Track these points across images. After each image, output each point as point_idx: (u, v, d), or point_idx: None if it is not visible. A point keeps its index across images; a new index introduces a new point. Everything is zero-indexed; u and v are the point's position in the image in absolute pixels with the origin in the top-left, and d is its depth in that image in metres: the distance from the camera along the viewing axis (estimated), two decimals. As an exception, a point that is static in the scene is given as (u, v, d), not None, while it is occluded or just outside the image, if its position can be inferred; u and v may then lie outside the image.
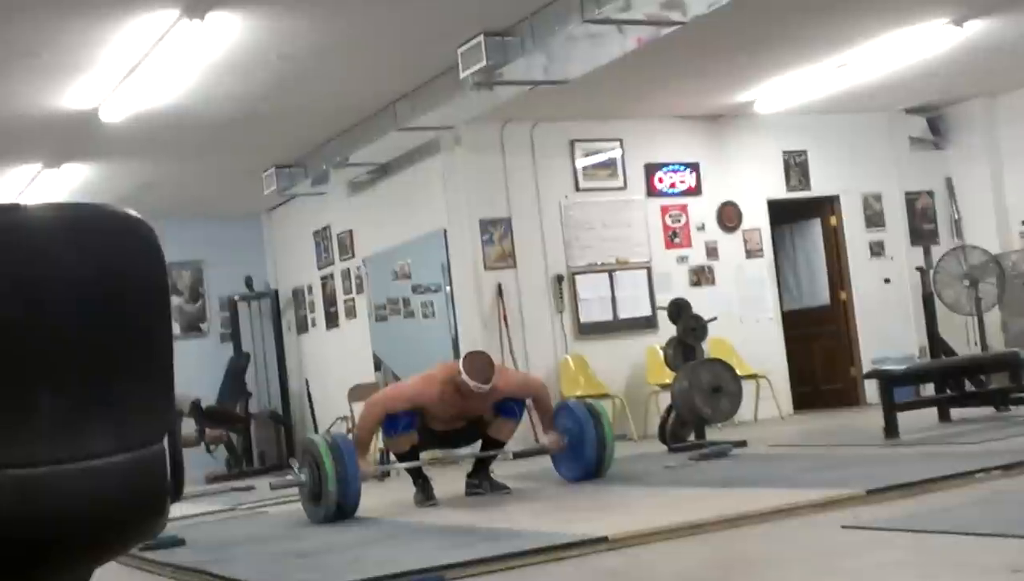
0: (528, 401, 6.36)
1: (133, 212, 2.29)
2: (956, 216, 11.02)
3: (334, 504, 5.53)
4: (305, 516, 5.76)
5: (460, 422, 6.13)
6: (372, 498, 6.13)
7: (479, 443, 6.32)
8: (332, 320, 11.45)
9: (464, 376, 5.76)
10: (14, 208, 2.18)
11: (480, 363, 5.85)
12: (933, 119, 11.07)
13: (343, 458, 5.57)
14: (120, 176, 9.63)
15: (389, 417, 5.93)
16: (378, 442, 6.99)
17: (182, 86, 7.40)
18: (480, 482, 6.15)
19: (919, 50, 8.63)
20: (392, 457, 6.51)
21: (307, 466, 5.69)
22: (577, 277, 9.62)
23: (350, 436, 9.34)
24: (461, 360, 5.93)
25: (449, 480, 6.59)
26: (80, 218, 2.29)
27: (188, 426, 9.64)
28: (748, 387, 8.48)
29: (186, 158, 9.53)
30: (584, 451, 6.19)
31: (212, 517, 6.66)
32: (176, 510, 2.45)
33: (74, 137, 8.26)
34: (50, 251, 2.17)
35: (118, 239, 2.27)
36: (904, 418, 6.80)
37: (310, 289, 11.85)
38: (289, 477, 5.93)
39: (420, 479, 6.10)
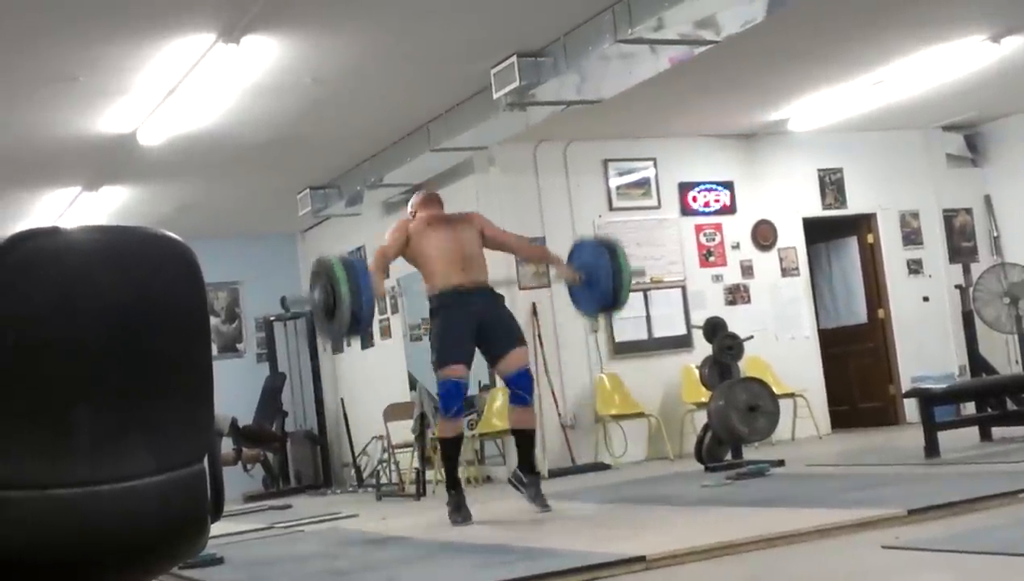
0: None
1: (173, 234, 2.31)
2: (995, 233, 10.91)
3: (348, 313, 5.48)
4: (343, 536, 5.76)
5: (474, 275, 6.05)
6: (408, 518, 6.14)
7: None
8: (367, 340, 11.48)
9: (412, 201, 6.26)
10: (54, 231, 2.21)
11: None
12: (970, 136, 10.98)
13: (354, 267, 5.60)
14: (158, 198, 9.73)
15: (446, 390, 5.88)
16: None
17: (218, 109, 7.47)
18: (527, 484, 6.05)
19: (956, 67, 8.57)
20: (429, 474, 6.49)
21: (319, 286, 5.68)
22: (612, 296, 9.59)
23: (385, 455, 9.40)
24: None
25: (484, 499, 6.58)
26: (120, 241, 2.31)
27: (225, 445, 9.72)
28: (785, 406, 8.42)
29: (222, 180, 9.61)
30: (600, 283, 6.18)
31: (250, 536, 6.70)
32: (215, 528, 2.47)
33: (112, 160, 8.35)
34: (90, 274, 2.19)
35: (158, 261, 2.29)
36: (944, 437, 6.72)
37: (345, 309, 11.87)
38: (303, 297, 5.96)
39: (455, 490, 6.00)
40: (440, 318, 6.01)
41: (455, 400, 5.92)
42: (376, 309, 5.88)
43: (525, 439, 6.17)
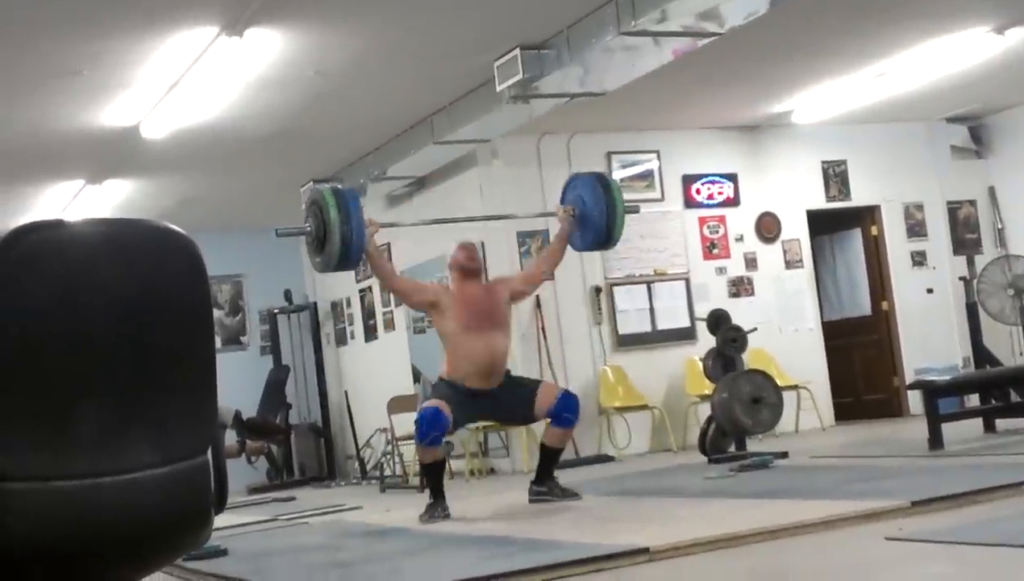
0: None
1: (176, 227, 2.32)
2: (999, 225, 10.90)
3: (339, 242, 5.49)
4: (347, 528, 5.77)
5: (496, 379, 5.91)
6: (412, 510, 6.15)
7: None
8: (371, 333, 11.50)
9: (453, 254, 6.10)
10: (57, 224, 2.21)
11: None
12: (975, 128, 10.96)
13: (343, 195, 5.62)
14: (161, 192, 9.74)
15: (424, 414, 5.71)
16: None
17: (221, 102, 7.48)
18: (550, 488, 6.00)
19: (960, 59, 8.55)
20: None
21: (311, 215, 5.68)
22: (615, 288, 9.60)
23: (389, 448, 9.42)
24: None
25: (488, 491, 6.59)
26: (123, 233, 2.32)
27: (229, 438, 9.74)
28: (789, 398, 8.41)
29: (226, 173, 9.62)
30: (593, 219, 6.19)
31: (254, 527, 6.71)
32: (219, 520, 2.47)
33: (116, 153, 8.36)
34: (93, 267, 2.19)
35: (161, 254, 2.30)
36: (948, 429, 6.72)
37: (349, 302, 11.91)
38: (296, 227, 6.01)
39: (439, 496, 5.88)
40: (447, 388, 5.90)
41: (433, 427, 5.65)
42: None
43: (554, 455, 6.12)
